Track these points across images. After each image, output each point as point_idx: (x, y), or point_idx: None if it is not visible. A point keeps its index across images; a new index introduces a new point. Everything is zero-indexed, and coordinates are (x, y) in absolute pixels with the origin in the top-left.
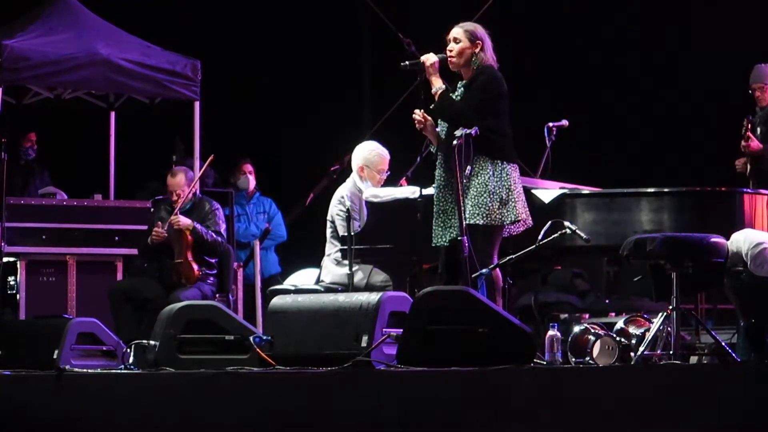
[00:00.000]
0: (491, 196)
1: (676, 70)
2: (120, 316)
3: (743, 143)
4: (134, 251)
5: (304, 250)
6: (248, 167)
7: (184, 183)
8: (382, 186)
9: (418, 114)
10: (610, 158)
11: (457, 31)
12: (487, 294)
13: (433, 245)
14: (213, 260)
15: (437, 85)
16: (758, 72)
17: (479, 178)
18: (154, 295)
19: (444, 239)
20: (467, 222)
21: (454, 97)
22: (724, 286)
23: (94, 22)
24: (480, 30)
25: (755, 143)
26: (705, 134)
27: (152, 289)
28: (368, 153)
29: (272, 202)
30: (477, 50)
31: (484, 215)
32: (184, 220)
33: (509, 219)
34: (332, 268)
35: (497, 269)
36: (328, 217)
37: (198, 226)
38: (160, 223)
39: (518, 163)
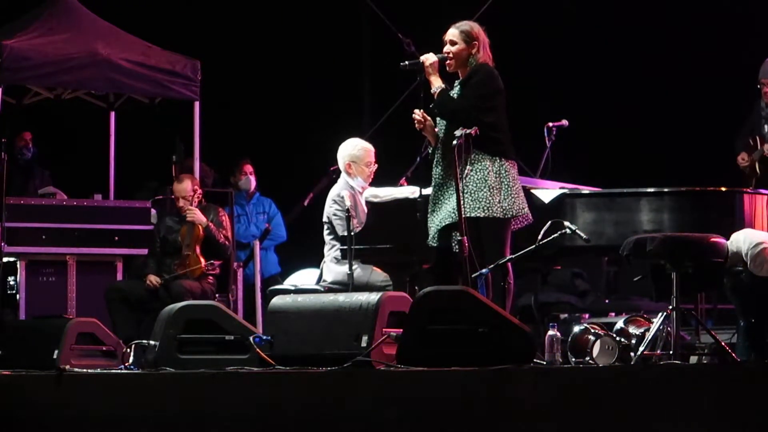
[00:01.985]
0: (491, 190)
1: (677, 70)
2: (116, 316)
3: None
4: (134, 251)
5: (304, 250)
6: (249, 167)
7: (190, 189)
8: (371, 182)
9: (417, 114)
10: (610, 158)
11: (453, 33)
12: (490, 294)
13: (429, 244)
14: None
15: (436, 84)
16: (766, 68)
17: (478, 174)
18: (150, 294)
19: (435, 239)
20: (468, 216)
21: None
22: (724, 286)
23: (94, 22)
24: (476, 28)
25: None
26: (705, 134)
27: (149, 289)
28: (352, 149)
29: (272, 203)
30: (473, 51)
31: (485, 208)
32: (200, 216)
33: (511, 213)
34: (333, 267)
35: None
36: (324, 218)
37: (211, 225)
38: (153, 277)
39: (517, 161)
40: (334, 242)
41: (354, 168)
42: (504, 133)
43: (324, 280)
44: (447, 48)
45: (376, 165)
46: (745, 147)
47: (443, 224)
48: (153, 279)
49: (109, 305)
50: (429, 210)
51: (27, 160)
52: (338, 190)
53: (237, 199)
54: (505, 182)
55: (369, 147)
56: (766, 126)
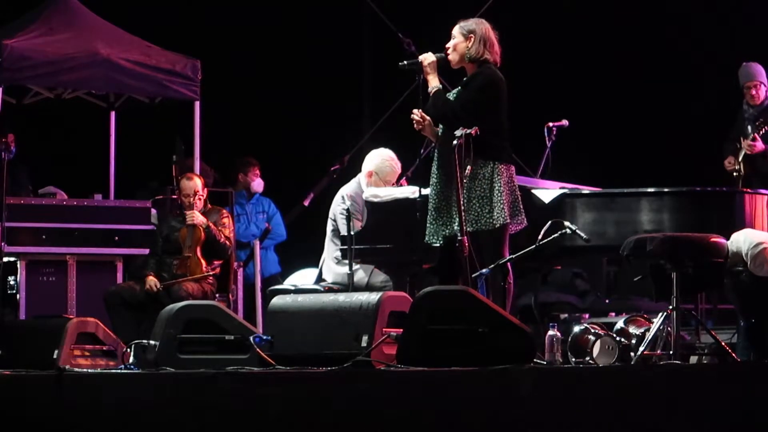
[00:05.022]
0: (480, 201)
1: (677, 70)
2: (116, 319)
3: (749, 142)
4: (134, 251)
5: (304, 250)
6: (258, 170)
7: (200, 187)
8: None
9: (416, 114)
10: (610, 158)
11: (453, 30)
12: (490, 294)
13: (426, 242)
14: (215, 261)
15: (433, 84)
16: (749, 70)
17: (469, 183)
18: (151, 298)
19: (437, 238)
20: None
21: (452, 94)
22: (724, 286)
23: (94, 22)
24: (474, 24)
25: (761, 144)
26: (705, 134)
27: (149, 293)
28: (381, 161)
29: (271, 202)
30: (469, 44)
31: (473, 221)
32: (200, 218)
33: (499, 222)
34: (333, 267)
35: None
36: (330, 215)
37: (212, 226)
38: (155, 280)
39: (513, 162)
40: (336, 241)
41: (374, 178)
42: (499, 136)
43: (323, 280)
44: (448, 44)
45: (395, 185)
46: (731, 151)
47: (448, 230)
48: (152, 283)
49: (109, 310)
50: (430, 210)
51: (8, 162)
52: (349, 190)
53: (237, 198)
54: (497, 187)
55: (397, 167)
56: (749, 126)
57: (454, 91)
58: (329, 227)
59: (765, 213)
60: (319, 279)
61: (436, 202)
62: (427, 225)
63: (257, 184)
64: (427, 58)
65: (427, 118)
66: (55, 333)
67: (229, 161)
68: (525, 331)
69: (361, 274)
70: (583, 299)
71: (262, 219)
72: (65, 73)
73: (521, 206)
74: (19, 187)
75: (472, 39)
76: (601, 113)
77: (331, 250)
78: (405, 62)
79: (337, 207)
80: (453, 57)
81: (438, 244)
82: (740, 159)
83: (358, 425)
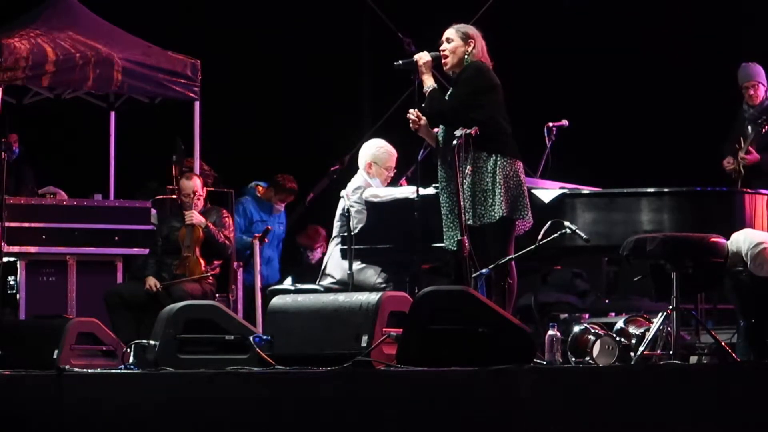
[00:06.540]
0: (483, 194)
1: (677, 70)
2: (117, 320)
3: (742, 155)
4: (134, 251)
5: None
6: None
7: (199, 186)
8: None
9: (412, 114)
10: (610, 158)
11: (449, 32)
12: (491, 294)
13: (444, 248)
14: (215, 261)
15: (428, 83)
16: (748, 71)
17: (474, 176)
18: (151, 298)
19: (452, 242)
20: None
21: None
22: (724, 286)
23: (94, 22)
24: (472, 29)
25: (754, 155)
26: (705, 134)
27: (149, 293)
28: (376, 150)
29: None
30: (470, 48)
31: (480, 215)
32: (198, 217)
33: (498, 215)
34: (344, 263)
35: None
36: (340, 210)
37: (210, 226)
38: (155, 280)
39: (519, 158)
40: (344, 235)
41: (374, 169)
42: (500, 129)
43: (327, 275)
44: (443, 46)
45: (395, 170)
46: (731, 152)
47: (459, 237)
48: (152, 283)
49: (109, 310)
50: (443, 213)
51: (14, 161)
52: (358, 183)
53: (262, 207)
54: (498, 180)
55: (393, 151)
56: (749, 127)
57: (449, 91)
58: (336, 220)
59: (765, 213)
60: (322, 273)
61: (447, 204)
62: (444, 230)
63: (279, 208)
64: (423, 57)
65: (423, 118)
66: (55, 333)
67: (229, 161)
68: (525, 331)
69: (368, 276)
70: (583, 299)
71: (282, 229)
72: (65, 73)
73: (527, 203)
74: (24, 187)
75: (473, 44)
76: (601, 113)
77: (337, 243)
78: (400, 62)
79: (347, 201)
80: (451, 60)
81: (453, 248)
82: (740, 160)
83: (358, 425)
